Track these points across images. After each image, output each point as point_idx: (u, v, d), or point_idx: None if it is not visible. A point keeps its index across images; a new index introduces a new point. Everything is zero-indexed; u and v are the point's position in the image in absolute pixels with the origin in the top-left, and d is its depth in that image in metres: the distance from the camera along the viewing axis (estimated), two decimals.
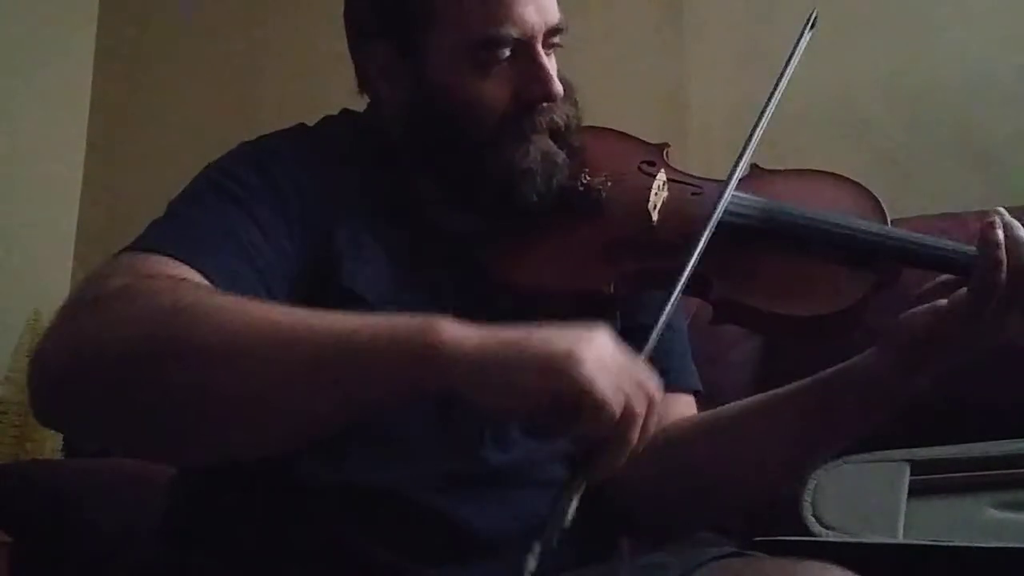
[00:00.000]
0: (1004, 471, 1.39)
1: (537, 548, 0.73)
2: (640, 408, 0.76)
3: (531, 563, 0.73)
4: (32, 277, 2.47)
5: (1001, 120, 1.92)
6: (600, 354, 0.75)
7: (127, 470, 1.62)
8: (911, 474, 1.43)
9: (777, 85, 1.05)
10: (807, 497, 1.44)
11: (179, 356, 0.78)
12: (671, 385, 1.10)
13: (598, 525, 1.08)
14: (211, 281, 0.88)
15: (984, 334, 0.92)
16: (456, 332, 0.76)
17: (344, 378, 0.78)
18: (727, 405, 1.07)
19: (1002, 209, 0.93)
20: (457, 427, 0.99)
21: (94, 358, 0.80)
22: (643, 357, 0.82)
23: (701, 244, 0.92)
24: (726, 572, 0.90)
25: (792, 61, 1.06)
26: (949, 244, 0.97)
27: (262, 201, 0.97)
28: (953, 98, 1.97)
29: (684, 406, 1.11)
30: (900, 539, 1.36)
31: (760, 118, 1.04)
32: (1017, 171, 1.86)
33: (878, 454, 1.46)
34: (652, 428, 0.78)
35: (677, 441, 1.06)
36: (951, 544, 1.15)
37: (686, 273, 0.89)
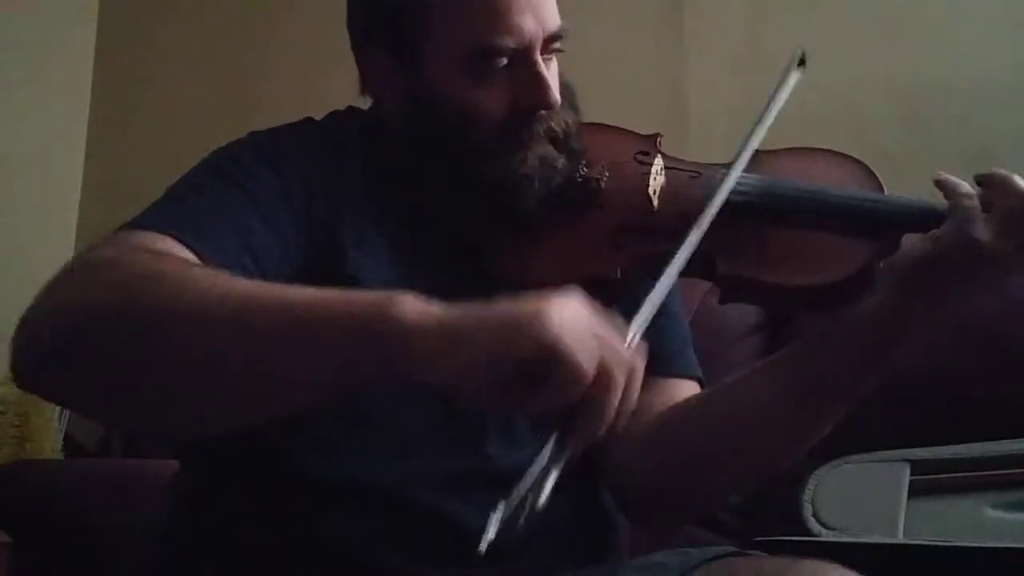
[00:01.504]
0: (1004, 471, 1.40)
1: (499, 511, 0.68)
2: (617, 374, 0.71)
3: (490, 531, 0.67)
4: (32, 277, 2.47)
5: (1001, 120, 1.93)
6: (569, 315, 0.71)
7: (127, 470, 1.62)
8: (911, 474, 1.43)
9: (760, 122, 1.05)
10: (807, 497, 1.44)
11: (144, 319, 0.79)
12: (674, 372, 1.11)
13: (598, 522, 1.08)
14: (201, 260, 0.88)
15: (975, 258, 0.92)
16: (417, 305, 0.73)
17: (303, 349, 0.75)
18: (724, 379, 1.07)
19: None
20: (463, 424, 0.99)
21: (69, 320, 0.81)
22: (632, 333, 0.78)
23: (700, 228, 0.93)
24: (726, 572, 0.90)
25: (777, 100, 1.07)
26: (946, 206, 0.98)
27: (266, 188, 0.97)
28: (953, 98, 1.97)
29: (686, 392, 1.11)
30: (900, 539, 1.36)
31: (741, 152, 1.04)
32: (1017, 171, 1.85)
33: (878, 454, 1.46)
34: (632, 400, 0.73)
35: (675, 422, 1.05)
36: (951, 544, 1.15)
37: (684, 253, 0.90)
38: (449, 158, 1.02)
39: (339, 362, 0.76)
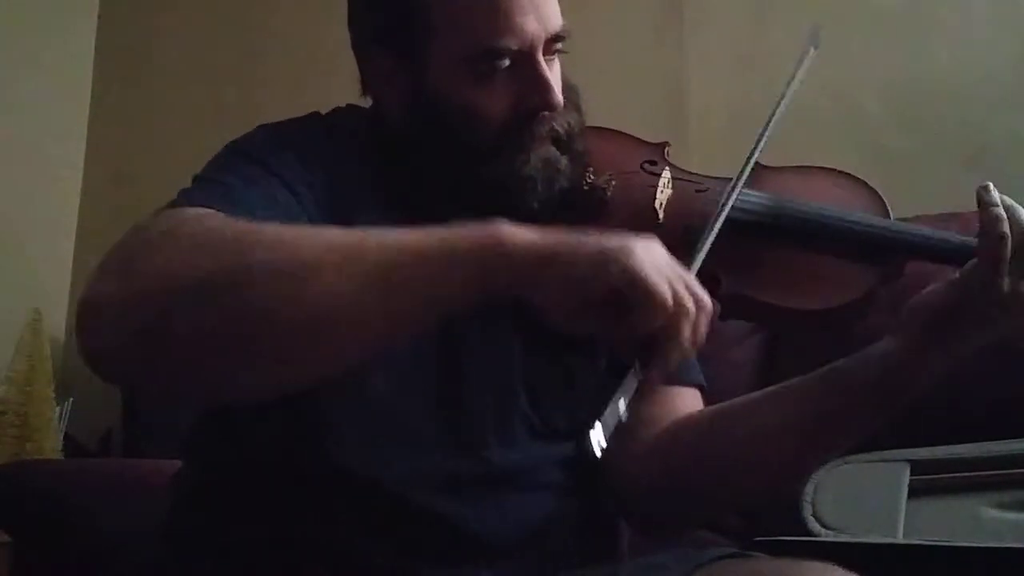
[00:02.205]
0: (1004, 471, 1.40)
1: (596, 428, 0.73)
2: (691, 305, 0.77)
3: (596, 439, 0.73)
4: (32, 277, 2.47)
5: (1001, 120, 1.93)
6: (652, 253, 0.78)
7: (127, 470, 1.62)
8: (911, 474, 1.43)
9: (782, 99, 1.05)
10: (807, 497, 1.44)
11: (255, 279, 0.78)
12: (676, 379, 1.10)
13: (599, 524, 1.08)
14: None
15: (998, 304, 0.91)
16: (516, 232, 0.80)
17: (418, 282, 0.79)
18: (737, 398, 1.07)
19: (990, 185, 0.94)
20: (463, 425, 0.99)
21: (165, 290, 0.78)
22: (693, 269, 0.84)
23: (708, 240, 0.92)
24: (726, 572, 0.90)
25: (794, 80, 1.06)
26: (953, 236, 0.98)
27: (294, 173, 0.97)
28: (953, 98, 1.97)
29: (690, 400, 1.11)
30: (900, 539, 1.36)
31: (765, 129, 1.04)
32: (1015, 170, 1.86)
33: (878, 454, 1.46)
34: (704, 332, 0.79)
35: (684, 435, 1.06)
36: (951, 544, 1.15)
37: (696, 264, 0.89)
38: (451, 159, 1.02)
39: (453, 289, 0.80)
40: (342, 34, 1.09)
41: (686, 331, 0.77)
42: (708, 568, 0.90)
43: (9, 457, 2.18)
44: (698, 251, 0.90)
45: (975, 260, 0.92)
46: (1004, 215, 0.90)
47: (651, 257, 0.77)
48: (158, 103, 2.62)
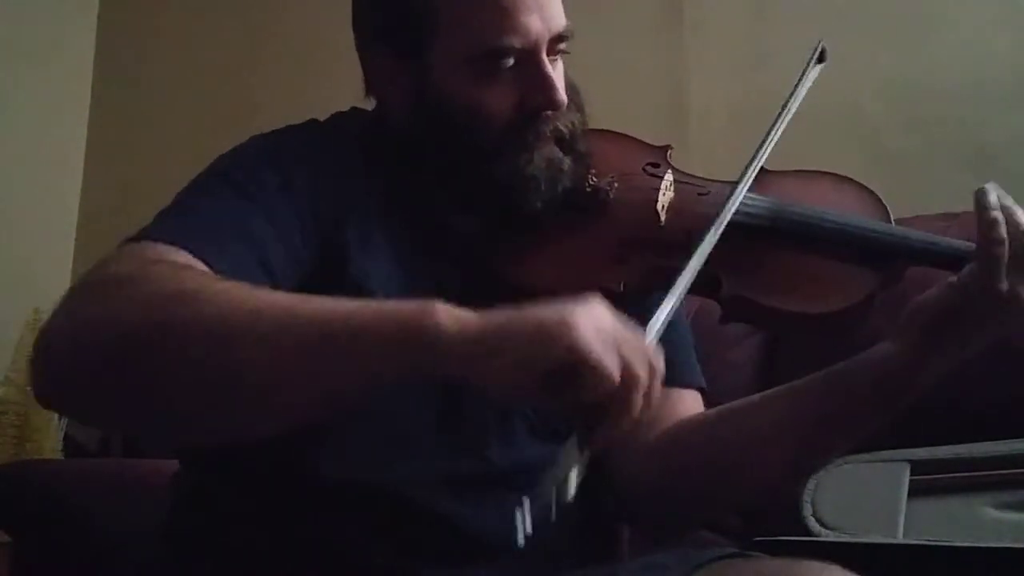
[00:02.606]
0: (1004, 471, 1.39)
1: (527, 506, 0.70)
2: (642, 372, 0.74)
3: (525, 525, 0.70)
4: (32, 277, 2.47)
5: (1001, 120, 1.93)
6: (596, 320, 0.74)
7: (127, 470, 1.62)
8: (911, 474, 1.43)
9: (780, 117, 1.05)
10: (807, 497, 1.44)
11: (179, 339, 0.79)
12: (677, 381, 1.10)
13: (599, 524, 1.08)
14: (215, 271, 0.88)
15: (997, 307, 0.91)
16: (451, 315, 0.76)
17: (341, 359, 0.78)
18: (737, 400, 1.07)
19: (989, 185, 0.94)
20: (464, 426, 0.99)
21: (96, 340, 0.80)
22: (650, 335, 0.81)
23: (709, 242, 0.92)
24: (726, 572, 0.90)
25: (798, 95, 1.07)
26: (953, 242, 0.98)
27: (273, 195, 0.97)
28: (953, 98, 1.97)
29: (691, 402, 1.11)
30: (900, 539, 1.36)
31: (765, 141, 1.04)
32: (1017, 171, 1.86)
33: (878, 454, 1.45)
34: (656, 397, 0.76)
35: (685, 437, 1.06)
36: (951, 544, 1.15)
37: (692, 268, 0.90)
38: (455, 158, 1.02)
39: (377, 370, 0.78)
40: (346, 35, 1.09)
41: (636, 401, 0.75)
42: (708, 568, 0.90)
43: (9, 457, 2.18)
44: (696, 253, 0.90)
45: (973, 264, 0.92)
46: (1001, 218, 0.90)
47: (595, 325, 0.74)
48: (158, 104, 2.62)
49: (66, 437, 2.32)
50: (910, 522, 1.39)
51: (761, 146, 1.04)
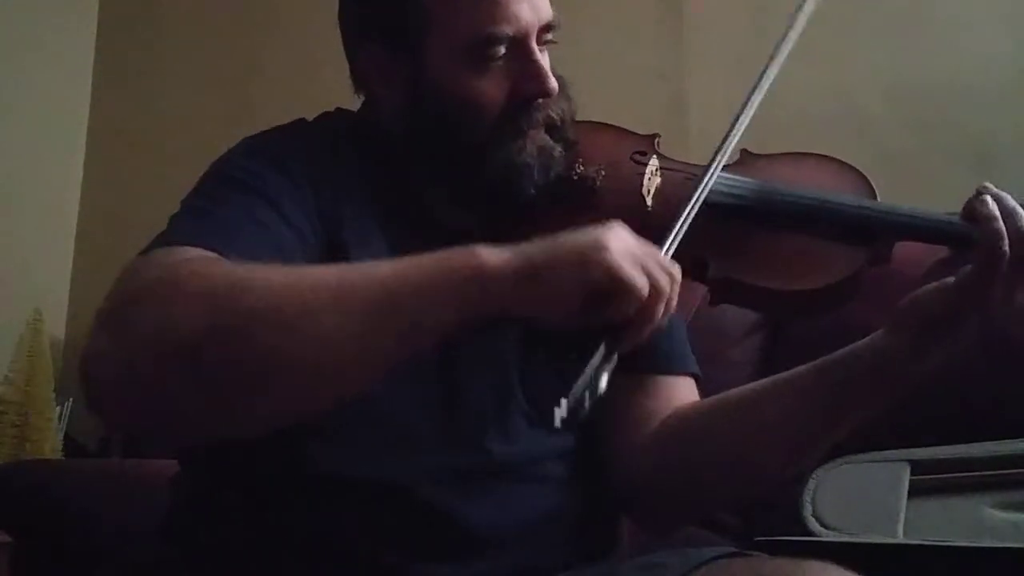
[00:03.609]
0: (1004, 471, 1.39)
1: (565, 403, 0.76)
2: (665, 286, 0.82)
3: (561, 411, 0.76)
4: (32, 277, 2.47)
5: (1001, 120, 1.93)
6: (622, 241, 0.82)
7: (127, 470, 1.62)
8: (911, 474, 1.43)
9: (777, 51, 1.06)
10: (807, 497, 1.44)
11: (245, 329, 0.80)
12: (672, 369, 1.12)
13: (598, 521, 1.08)
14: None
15: (994, 307, 0.92)
16: (493, 253, 0.82)
17: (407, 313, 0.82)
18: (733, 391, 1.08)
19: (987, 184, 0.95)
20: (462, 418, 0.99)
21: (158, 354, 0.80)
22: (666, 250, 0.88)
23: (691, 206, 0.94)
24: (726, 572, 0.90)
25: (795, 27, 1.07)
26: (940, 216, 0.99)
27: (278, 189, 0.97)
28: (953, 98, 1.97)
29: (685, 390, 1.12)
30: (900, 539, 1.36)
31: (757, 85, 1.05)
32: (1016, 171, 1.86)
33: (878, 454, 1.46)
34: (674, 304, 0.84)
35: (683, 427, 1.07)
36: (951, 544, 1.15)
37: (671, 238, 0.91)
38: (449, 150, 1.03)
39: (436, 316, 0.82)
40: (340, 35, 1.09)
41: (660, 310, 0.82)
42: (708, 567, 0.90)
43: (9, 457, 2.18)
44: (678, 224, 0.92)
45: (969, 267, 0.92)
46: (1004, 230, 0.91)
47: (623, 246, 0.81)
48: (158, 104, 2.62)
49: (66, 437, 2.32)
50: (910, 522, 1.39)
51: (756, 83, 1.05)
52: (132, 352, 0.81)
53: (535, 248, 0.83)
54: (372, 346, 0.82)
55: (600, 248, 0.81)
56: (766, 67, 1.07)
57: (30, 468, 1.73)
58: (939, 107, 1.98)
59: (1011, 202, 0.93)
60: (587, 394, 0.77)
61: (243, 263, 0.86)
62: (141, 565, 1.06)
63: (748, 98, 1.05)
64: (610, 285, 0.80)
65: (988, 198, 0.93)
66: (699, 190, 0.96)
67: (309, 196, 0.99)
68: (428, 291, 0.82)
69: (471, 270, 0.81)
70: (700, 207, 0.95)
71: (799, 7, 1.10)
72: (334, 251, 0.99)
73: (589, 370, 0.79)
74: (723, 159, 1.00)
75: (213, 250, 0.88)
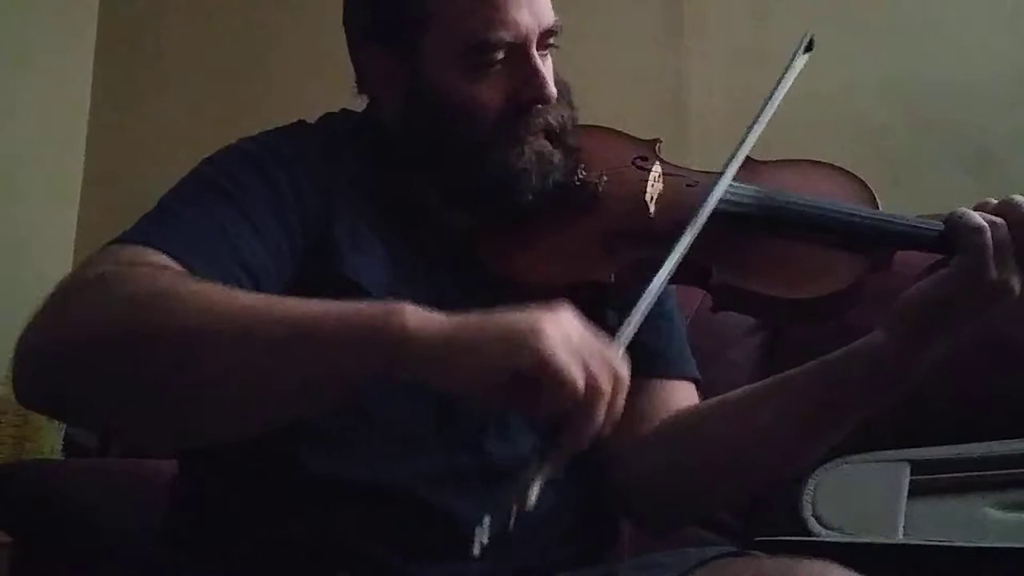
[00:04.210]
0: (1004, 471, 1.39)
1: (487, 521, 0.72)
2: (605, 385, 0.75)
3: (481, 535, 0.72)
4: (32, 277, 2.47)
5: (1001, 120, 1.93)
6: (562, 329, 0.75)
7: (127, 470, 1.62)
8: (911, 474, 1.43)
9: (766, 106, 1.06)
10: (807, 497, 1.44)
11: (150, 339, 0.80)
12: (672, 373, 1.11)
13: (598, 522, 1.08)
14: (194, 273, 0.88)
15: (988, 297, 0.93)
16: (418, 316, 0.77)
17: (309, 362, 0.79)
18: (731, 393, 1.08)
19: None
20: (461, 420, 0.99)
21: (70, 341, 0.81)
22: (620, 340, 0.81)
23: (695, 229, 0.93)
24: (726, 572, 0.90)
25: (783, 84, 1.07)
26: (940, 225, 0.98)
27: (256, 199, 0.97)
28: (953, 98, 1.97)
29: (685, 394, 1.12)
30: (900, 539, 1.36)
31: (746, 136, 1.05)
32: (1016, 171, 1.86)
33: (878, 454, 1.46)
34: (619, 409, 0.77)
35: (681, 429, 1.06)
36: (951, 544, 1.15)
37: (676, 256, 0.91)
38: (447, 154, 1.03)
39: (344, 373, 0.79)
40: (342, 34, 1.09)
41: (599, 411, 0.75)
42: (708, 567, 0.91)
43: (9, 457, 2.18)
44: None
45: (961, 256, 0.93)
46: (968, 211, 0.93)
47: (562, 334, 0.75)
48: (157, 104, 2.62)
49: (66, 437, 2.32)
50: (910, 522, 1.39)
51: (747, 134, 1.05)
52: (54, 333, 0.83)
53: (466, 321, 0.77)
54: (272, 388, 0.80)
55: (535, 331, 0.74)
56: (764, 105, 1.07)
57: (30, 468, 1.73)
58: (939, 107, 1.98)
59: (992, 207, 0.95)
60: (513, 509, 0.72)
61: (182, 275, 0.86)
62: (141, 565, 1.06)
63: (745, 134, 1.05)
64: (538, 372, 0.73)
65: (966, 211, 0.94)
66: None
67: (291, 202, 0.99)
68: (341, 339, 0.78)
69: (388, 328, 0.77)
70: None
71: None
72: (325, 250, 0.99)
73: (519, 482, 0.73)
74: (718, 195, 0.99)
75: (171, 254, 0.89)
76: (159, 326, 0.80)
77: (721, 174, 1.01)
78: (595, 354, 0.75)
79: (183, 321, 0.79)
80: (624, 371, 0.77)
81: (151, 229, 0.93)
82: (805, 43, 1.12)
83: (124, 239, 0.91)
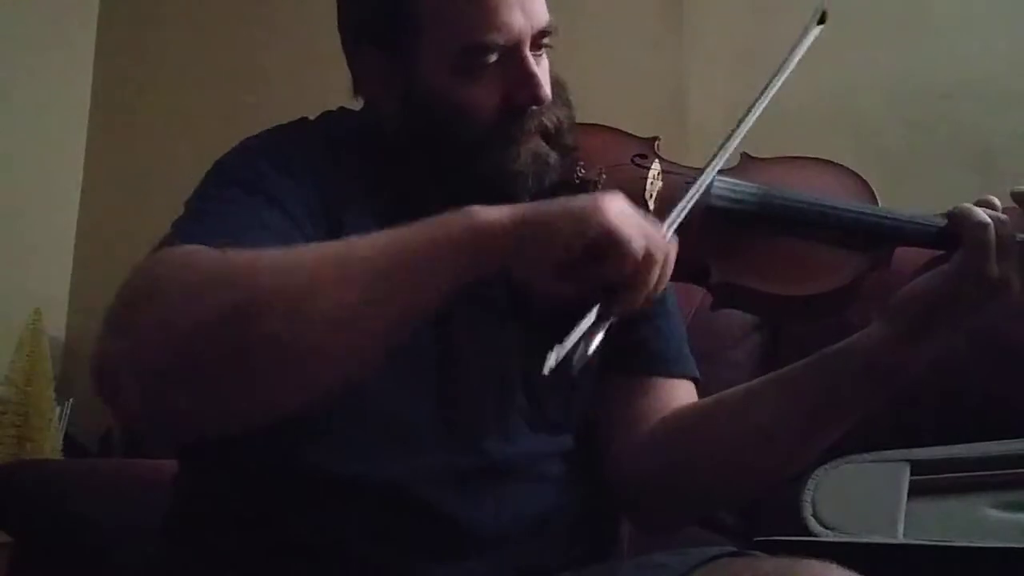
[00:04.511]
0: (1004, 471, 1.40)
1: (555, 353, 0.78)
2: (659, 255, 0.83)
3: (551, 360, 0.77)
4: (32, 277, 2.48)
5: (1001, 120, 1.93)
6: (622, 208, 0.83)
7: (127, 470, 1.62)
8: (911, 474, 1.43)
9: (778, 73, 1.06)
10: (807, 497, 1.44)
11: (261, 310, 0.80)
12: (671, 372, 1.11)
13: (598, 522, 1.08)
14: None
15: (988, 293, 0.93)
16: (491, 213, 0.84)
17: (414, 280, 0.84)
18: (729, 391, 1.08)
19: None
20: (461, 419, 0.99)
21: (171, 342, 0.80)
22: (667, 228, 0.89)
23: (694, 191, 0.96)
24: (726, 572, 0.90)
25: (796, 54, 1.08)
26: (940, 222, 0.99)
27: (280, 188, 0.98)
28: (953, 98, 1.97)
29: (684, 392, 1.12)
30: (900, 539, 1.36)
31: (758, 100, 1.06)
32: (1017, 171, 1.86)
33: (878, 454, 1.46)
34: (666, 279, 0.85)
35: (681, 428, 1.06)
36: (951, 544, 1.15)
37: (672, 220, 0.92)
38: (443, 156, 1.03)
39: (441, 282, 0.84)
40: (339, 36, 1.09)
41: (654, 277, 0.83)
42: (707, 567, 0.91)
43: (9, 457, 2.18)
44: (678, 207, 0.93)
45: (962, 251, 0.93)
46: (972, 206, 0.94)
47: (623, 213, 0.82)
48: (158, 104, 2.62)
49: (66, 437, 2.32)
50: (910, 522, 1.39)
51: (760, 96, 1.05)
52: (138, 348, 0.81)
53: (530, 207, 0.84)
54: (376, 314, 0.83)
55: (599, 208, 0.82)
56: (776, 72, 1.07)
57: (30, 468, 1.73)
58: (939, 107, 1.98)
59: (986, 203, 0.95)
60: (578, 349, 0.79)
61: (247, 251, 0.86)
62: (141, 565, 1.06)
63: (757, 97, 1.06)
64: (606, 240, 0.81)
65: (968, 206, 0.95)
66: (704, 175, 0.97)
67: (311, 195, 0.99)
68: (427, 252, 0.83)
69: (466, 228, 0.83)
70: (702, 210, 0.96)
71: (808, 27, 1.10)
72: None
73: (583, 326, 0.80)
74: (725, 156, 1.00)
75: (215, 247, 0.88)
76: (266, 292, 0.81)
77: (716, 152, 1.01)
78: (649, 230, 0.83)
79: (287, 280, 0.82)
80: (674, 247, 0.86)
81: (190, 229, 0.92)
82: (819, 15, 1.12)
83: (167, 243, 0.90)
